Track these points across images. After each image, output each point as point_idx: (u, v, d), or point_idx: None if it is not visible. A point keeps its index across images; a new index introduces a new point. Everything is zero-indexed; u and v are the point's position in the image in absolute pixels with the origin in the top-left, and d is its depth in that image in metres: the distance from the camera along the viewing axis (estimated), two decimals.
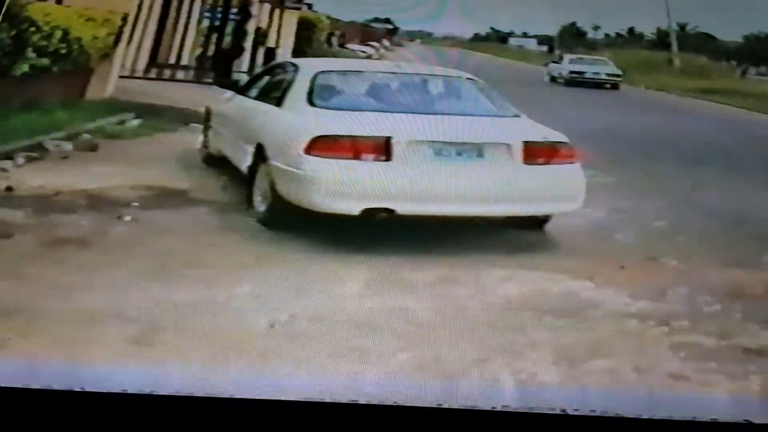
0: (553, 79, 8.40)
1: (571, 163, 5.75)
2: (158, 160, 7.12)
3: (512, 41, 12.17)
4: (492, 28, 12.19)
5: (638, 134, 8.31)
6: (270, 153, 5.76)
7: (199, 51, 9.86)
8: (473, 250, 5.42)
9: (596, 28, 11.71)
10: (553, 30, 12.06)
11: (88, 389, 3.74)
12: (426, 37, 11.26)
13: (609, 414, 3.78)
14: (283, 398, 3.77)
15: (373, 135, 5.49)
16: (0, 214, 5.55)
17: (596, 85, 8.33)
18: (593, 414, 3.78)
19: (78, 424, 3.67)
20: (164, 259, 5.03)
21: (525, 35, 12.34)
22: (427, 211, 5.45)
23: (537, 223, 5.92)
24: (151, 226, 5.59)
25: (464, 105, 6.34)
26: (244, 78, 7.95)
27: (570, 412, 3.78)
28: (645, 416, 3.79)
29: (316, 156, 5.39)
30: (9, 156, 6.62)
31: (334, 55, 10.65)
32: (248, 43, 9.83)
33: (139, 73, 9.44)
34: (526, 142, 5.64)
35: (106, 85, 8.67)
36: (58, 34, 7.77)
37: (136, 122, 8.17)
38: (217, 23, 9.91)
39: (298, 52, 9.86)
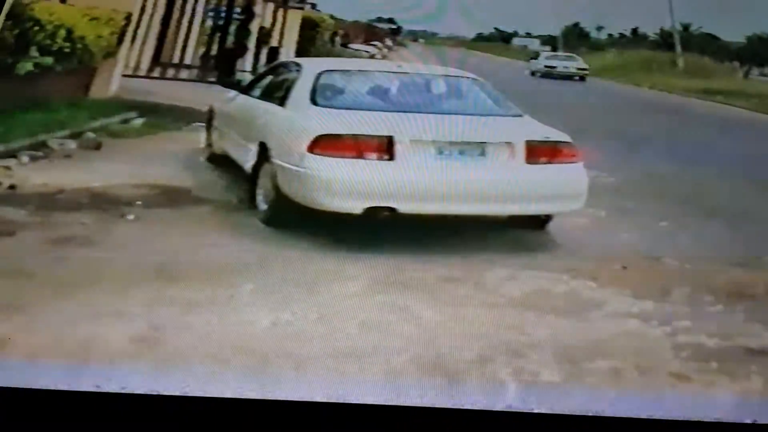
0: (533, 73, 8.84)
1: (573, 162, 5.75)
2: (161, 158, 7.14)
3: (516, 41, 12.15)
4: (496, 29, 12.19)
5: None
6: (273, 152, 5.77)
7: (202, 50, 9.86)
8: (475, 249, 5.42)
9: (599, 28, 11.71)
10: (556, 30, 12.07)
11: (89, 389, 3.73)
12: (429, 37, 11.25)
13: (611, 415, 3.78)
14: (284, 398, 3.77)
15: (375, 134, 5.49)
16: (3, 212, 5.55)
17: (566, 77, 9.02)
18: (595, 414, 3.77)
19: (80, 424, 3.66)
20: (167, 258, 5.04)
21: (528, 35, 12.32)
22: (429, 210, 5.45)
23: (539, 222, 5.93)
24: (154, 224, 5.60)
25: (467, 104, 6.33)
26: (247, 77, 7.96)
27: (572, 412, 3.78)
28: (646, 416, 3.79)
29: (319, 155, 5.39)
30: (13, 154, 6.64)
31: (338, 55, 10.65)
32: (252, 43, 9.83)
33: (143, 72, 9.45)
34: (528, 142, 5.64)
35: (110, 84, 8.68)
36: (62, 33, 7.79)
37: (139, 121, 8.19)
38: (220, 23, 9.91)
39: (301, 51, 9.86)
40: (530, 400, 3.83)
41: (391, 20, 11.62)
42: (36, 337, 4.02)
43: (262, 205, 5.83)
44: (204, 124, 7.63)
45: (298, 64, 6.58)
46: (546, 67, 9.34)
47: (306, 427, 3.76)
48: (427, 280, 4.93)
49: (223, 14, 9.93)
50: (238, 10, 9.89)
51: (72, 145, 7.19)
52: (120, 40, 8.70)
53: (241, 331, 4.23)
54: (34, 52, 7.46)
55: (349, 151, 5.41)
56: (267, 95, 6.62)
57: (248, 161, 6.13)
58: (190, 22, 9.71)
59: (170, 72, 9.72)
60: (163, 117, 8.28)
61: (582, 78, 9.06)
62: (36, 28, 7.43)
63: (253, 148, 6.05)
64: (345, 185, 5.34)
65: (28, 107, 7.35)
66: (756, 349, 4.38)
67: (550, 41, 12.17)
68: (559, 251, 5.67)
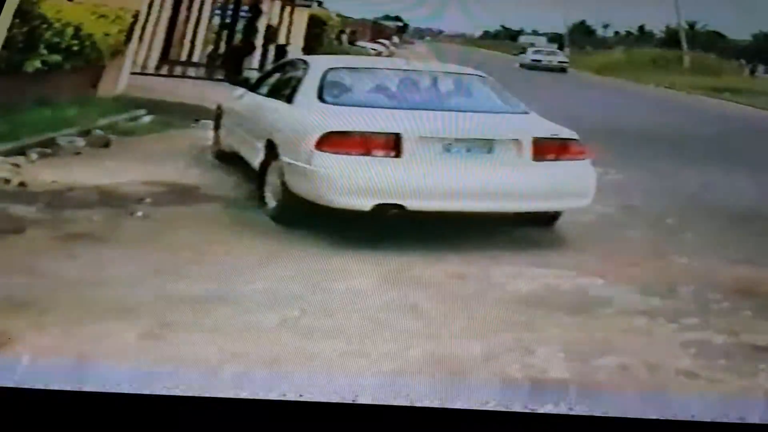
0: (522, 65, 9.95)
1: (580, 159, 5.75)
2: (170, 156, 7.14)
3: (522, 39, 12.20)
4: (502, 26, 12.21)
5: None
6: (281, 149, 5.78)
7: (210, 48, 9.87)
8: (483, 246, 5.43)
9: (606, 26, 11.71)
10: (562, 28, 12.07)
11: (97, 390, 3.75)
12: (436, 35, 11.26)
13: (619, 414, 3.79)
14: (291, 398, 3.78)
15: (383, 131, 5.50)
16: (13, 209, 5.57)
17: (550, 69, 9.99)
18: (603, 415, 3.78)
19: (85, 425, 3.68)
20: (176, 255, 5.05)
21: (535, 33, 12.33)
22: (436, 207, 5.46)
23: (547, 219, 5.93)
24: (163, 221, 5.62)
25: (474, 101, 6.33)
26: (254, 75, 7.96)
27: (579, 412, 3.79)
28: (654, 416, 3.80)
29: (327, 152, 5.40)
30: (22, 152, 6.65)
31: (345, 53, 10.65)
32: (259, 41, 9.84)
33: (151, 70, 9.44)
34: (535, 139, 5.65)
35: (118, 81, 8.68)
36: (70, 30, 7.80)
37: (147, 119, 8.19)
38: (228, 20, 9.92)
39: (308, 49, 9.87)
40: (538, 398, 3.84)
41: (397, 18, 11.62)
42: (44, 334, 4.04)
43: (271, 203, 5.85)
44: (212, 122, 7.65)
45: (305, 62, 6.59)
46: (532, 60, 10.16)
47: (315, 427, 3.78)
48: (435, 277, 4.94)
49: (230, 12, 9.94)
50: (246, 8, 9.90)
51: (81, 142, 7.20)
52: (128, 38, 8.71)
53: (250, 329, 4.24)
54: (42, 49, 7.47)
55: (356, 148, 5.43)
56: (274, 93, 6.63)
57: (256, 158, 6.15)
58: (198, 20, 9.72)
59: (178, 70, 9.72)
60: (171, 115, 8.29)
61: (563, 69, 9.96)
62: (44, 25, 7.44)
63: (261, 146, 6.07)
64: (353, 182, 5.35)
65: (36, 105, 7.37)
66: (763, 346, 4.37)
67: (556, 39, 12.18)
68: (567, 248, 5.67)
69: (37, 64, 7.44)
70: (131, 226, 5.54)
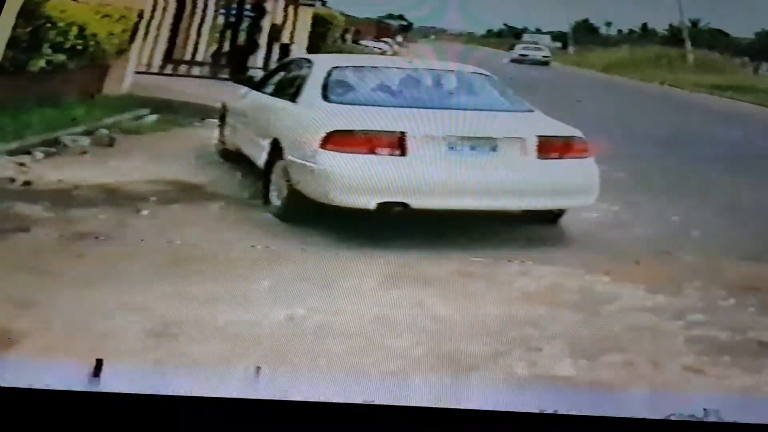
0: (512, 60, 10.80)
1: (584, 157, 5.76)
2: (175, 155, 7.13)
3: (526, 37, 12.26)
4: (505, 25, 12.23)
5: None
6: (285, 148, 5.79)
7: (214, 47, 9.86)
8: (488, 244, 5.43)
9: (609, 24, 11.70)
10: (566, 26, 12.08)
11: (105, 390, 3.75)
12: (440, 34, 11.27)
13: (625, 412, 3.79)
14: (299, 398, 3.78)
15: (387, 130, 5.51)
16: (18, 208, 5.57)
17: (534, 63, 10.88)
18: (609, 413, 3.79)
19: (91, 425, 3.68)
20: (181, 254, 5.06)
21: (538, 31, 12.36)
22: (441, 206, 5.47)
23: (552, 217, 5.93)
24: (169, 220, 5.62)
25: (478, 100, 6.34)
26: (259, 74, 7.96)
27: (585, 410, 3.79)
28: (660, 413, 3.80)
29: (331, 151, 5.41)
30: (27, 151, 6.65)
31: (349, 52, 10.64)
32: (263, 40, 9.83)
33: (155, 69, 9.44)
34: (539, 137, 5.66)
35: (123, 80, 8.68)
36: (74, 30, 7.79)
37: (152, 118, 8.19)
38: (232, 19, 9.91)
39: (312, 48, 9.86)
40: (544, 396, 3.85)
41: (401, 17, 11.63)
42: (51, 333, 4.05)
43: (276, 201, 5.85)
44: (217, 121, 7.66)
45: (309, 61, 6.60)
46: (520, 55, 10.88)
47: (319, 427, 3.78)
48: (440, 275, 4.94)
49: (234, 11, 9.93)
50: (249, 7, 9.89)
51: (86, 141, 7.19)
52: (132, 38, 8.71)
53: (256, 327, 4.24)
54: (46, 49, 7.48)
55: (361, 146, 5.44)
56: (279, 92, 6.64)
57: (261, 157, 6.16)
58: (202, 20, 9.71)
59: (182, 69, 9.70)
60: (176, 113, 8.28)
61: (546, 63, 10.84)
62: (48, 25, 7.44)
63: (266, 145, 6.08)
64: (357, 181, 5.36)
65: (41, 104, 7.36)
66: None
67: (560, 37, 12.19)
68: (572, 246, 5.68)
69: (42, 63, 7.44)
70: (137, 224, 5.54)
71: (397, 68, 6.59)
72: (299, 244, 5.29)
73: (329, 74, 6.16)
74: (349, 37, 11.41)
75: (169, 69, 9.60)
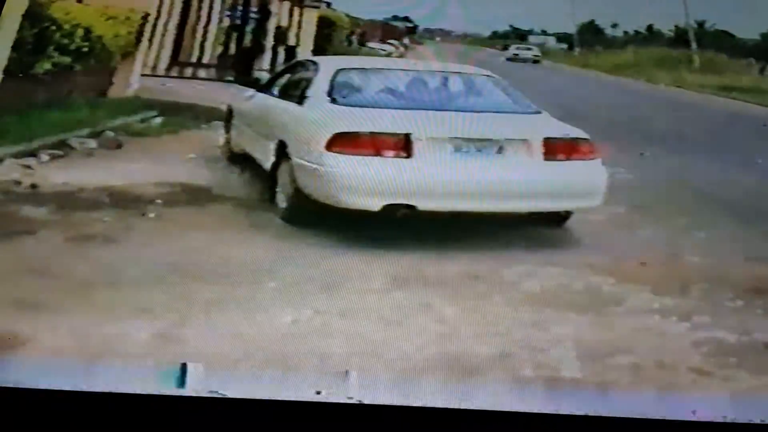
0: (507, 59, 11.51)
1: (591, 159, 5.75)
2: (181, 157, 7.16)
3: (531, 39, 12.33)
4: (511, 26, 12.28)
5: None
6: (291, 150, 5.79)
7: (220, 49, 9.88)
8: (494, 246, 5.43)
9: (615, 25, 11.72)
10: (571, 28, 12.10)
11: (109, 390, 3.75)
12: (445, 36, 11.29)
13: (631, 414, 3.79)
14: (305, 398, 3.78)
15: (393, 132, 5.50)
16: (25, 210, 5.59)
17: (525, 61, 11.67)
18: (615, 414, 3.78)
19: (97, 426, 3.68)
20: (187, 256, 5.06)
21: (544, 33, 12.40)
22: (447, 208, 5.46)
23: (558, 219, 5.92)
24: (175, 222, 5.62)
25: (484, 102, 6.33)
26: (265, 76, 7.98)
27: (591, 411, 3.79)
28: (667, 415, 3.79)
29: (337, 153, 5.41)
30: (33, 153, 6.67)
31: (354, 53, 10.66)
32: (269, 42, 9.84)
33: (161, 72, 9.46)
34: (546, 139, 5.65)
35: (129, 83, 8.70)
36: (80, 32, 7.81)
37: (158, 120, 8.20)
38: (237, 22, 9.92)
39: (318, 50, 9.87)
40: (550, 397, 3.84)
41: (407, 18, 11.66)
42: (56, 335, 4.05)
43: (282, 203, 5.85)
44: (223, 123, 7.67)
45: (315, 63, 6.60)
46: (513, 54, 11.60)
47: (326, 428, 3.78)
48: (446, 276, 4.95)
49: (240, 13, 9.94)
50: (255, 9, 9.90)
51: (92, 144, 7.21)
52: (138, 40, 8.73)
53: (262, 329, 4.25)
54: (52, 51, 7.49)
55: (366, 148, 5.43)
56: (285, 94, 6.64)
57: (267, 159, 6.16)
58: (208, 22, 9.73)
59: (188, 71, 9.72)
60: (182, 116, 8.29)
61: (536, 61, 11.61)
62: (53, 27, 7.46)
63: (272, 146, 6.07)
64: (363, 183, 5.35)
65: (47, 106, 7.39)
66: None
67: (565, 38, 12.21)
68: (579, 248, 5.67)
69: (48, 65, 7.45)
70: (143, 227, 5.54)
71: (403, 70, 6.58)
72: (305, 245, 5.29)
73: (335, 76, 6.16)
74: (354, 39, 11.42)
75: (175, 71, 9.63)
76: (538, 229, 5.86)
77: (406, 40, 11.78)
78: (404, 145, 5.45)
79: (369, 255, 5.12)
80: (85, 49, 7.90)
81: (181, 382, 3.82)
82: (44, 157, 6.70)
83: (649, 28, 11.73)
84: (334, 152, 5.41)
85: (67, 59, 7.67)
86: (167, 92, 8.80)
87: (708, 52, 11.53)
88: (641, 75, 11.46)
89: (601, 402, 3.84)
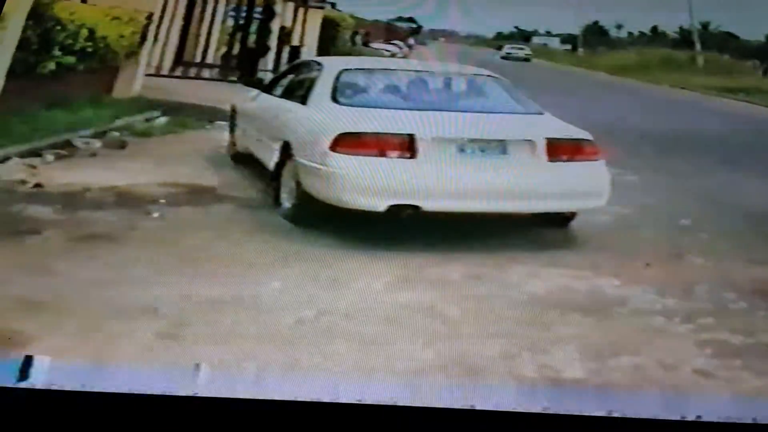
0: (502, 58, 12.03)
1: (595, 159, 5.75)
2: (185, 157, 7.17)
3: (536, 40, 12.41)
4: (516, 27, 12.35)
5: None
6: (296, 150, 5.79)
7: (224, 50, 9.90)
8: (498, 247, 5.42)
9: (619, 26, 11.74)
10: (576, 29, 12.13)
11: (113, 390, 3.76)
12: (449, 37, 11.31)
13: (635, 415, 3.79)
14: (309, 399, 3.78)
15: (397, 132, 5.50)
16: (29, 210, 5.59)
17: (517, 59, 12.22)
18: (618, 415, 3.78)
19: (101, 426, 3.68)
20: (192, 256, 5.06)
21: (548, 34, 12.46)
22: (451, 208, 5.46)
23: (562, 220, 5.92)
24: (179, 222, 5.63)
25: (487, 102, 6.34)
26: (269, 76, 7.99)
27: (595, 412, 3.79)
28: (670, 416, 3.79)
29: (342, 153, 5.41)
30: (38, 153, 6.69)
31: (358, 54, 10.67)
32: (273, 42, 9.86)
33: (165, 72, 9.48)
34: (549, 139, 5.64)
35: (133, 83, 8.72)
36: (84, 32, 7.83)
37: (163, 120, 8.22)
38: (241, 22, 9.95)
39: (322, 50, 9.89)
40: (553, 398, 3.84)
41: (411, 19, 11.68)
42: (61, 335, 4.05)
43: (286, 203, 5.85)
44: (227, 123, 7.67)
45: (318, 63, 6.60)
46: (507, 53, 12.21)
47: (329, 428, 3.78)
48: (451, 277, 4.95)
49: (244, 14, 9.96)
50: (259, 9, 9.92)
51: (97, 143, 7.23)
52: (142, 40, 8.75)
53: (266, 329, 4.25)
54: (56, 51, 7.50)
55: (370, 149, 5.43)
56: (289, 94, 6.64)
57: (271, 159, 6.16)
58: (212, 22, 9.76)
59: (192, 71, 9.76)
60: (186, 116, 8.31)
61: (527, 59, 12.15)
62: (58, 27, 7.47)
63: (276, 147, 6.08)
64: (367, 183, 5.35)
65: (52, 106, 7.40)
66: None
67: (569, 39, 12.23)
68: (582, 249, 5.66)
69: (52, 65, 7.47)
70: (147, 226, 5.55)
71: (407, 71, 6.58)
72: (309, 246, 5.29)
73: (339, 76, 6.16)
74: (359, 39, 11.44)
75: (179, 71, 9.65)
76: (542, 230, 5.86)
77: (411, 41, 11.81)
78: (408, 145, 5.45)
79: (373, 255, 5.12)
80: (90, 49, 7.92)
81: (25, 375, 3.81)
82: (49, 157, 6.71)
83: (654, 29, 11.75)
84: (338, 152, 5.41)
85: (71, 59, 7.69)
86: (171, 92, 8.81)
87: (712, 54, 11.54)
88: (645, 76, 11.46)
89: (604, 403, 3.83)
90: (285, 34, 9.94)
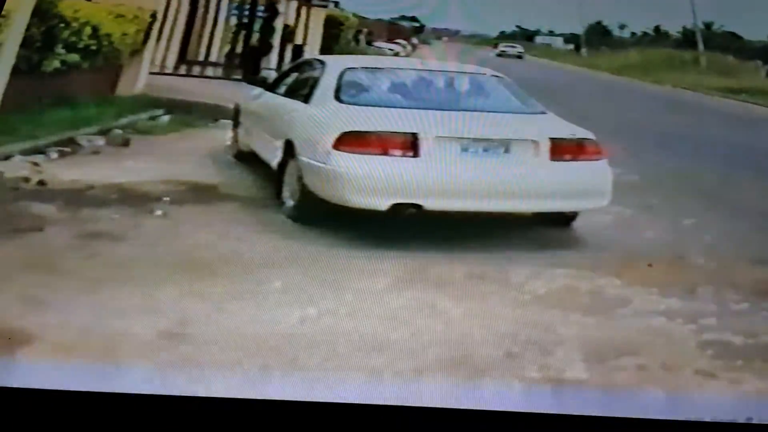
0: (497, 55, 12.24)
1: (597, 159, 5.75)
2: (189, 155, 7.17)
3: (538, 39, 12.43)
4: (518, 27, 12.37)
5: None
6: (298, 149, 5.80)
7: (227, 48, 9.90)
8: (501, 246, 5.42)
9: (622, 26, 11.73)
10: (579, 28, 12.13)
11: (116, 389, 3.76)
12: (452, 36, 11.32)
13: (637, 415, 3.79)
14: (310, 398, 3.79)
15: (400, 131, 5.51)
16: (33, 207, 5.59)
17: (511, 56, 12.55)
18: (621, 415, 3.79)
19: (103, 425, 3.69)
20: (195, 254, 5.07)
21: (551, 33, 12.46)
22: (454, 207, 5.46)
23: (565, 220, 5.93)
24: (182, 220, 5.62)
25: (490, 102, 6.33)
26: (272, 75, 7.98)
27: (597, 412, 3.79)
28: (672, 417, 3.79)
29: (344, 152, 5.41)
30: (42, 151, 6.69)
31: (361, 53, 10.67)
32: (276, 41, 9.86)
33: (169, 70, 9.48)
34: (552, 139, 5.65)
35: (137, 81, 8.73)
36: (88, 30, 7.83)
37: (166, 118, 8.23)
38: (245, 20, 9.95)
39: (325, 49, 9.89)
40: (556, 398, 3.85)
41: (414, 18, 11.70)
42: (63, 333, 4.06)
43: (289, 202, 5.86)
44: (230, 122, 7.68)
45: (322, 62, 6.60)
46: (501, 51, 12.58)
47: (330, 427, 3.79)
48: (453, 276, 4.95)
49: (247, 12, 9.96)
50: (262, 8, 9.92)
51: (100, 141, 7.24)
52: (146, 38, 8.75)
53: (268, 328, 4.25)
54: (60, 49, 7.50)
55: (373, 148, 5.44)
56: (292, 92, 6.65)
57: (274, 158, 6.17)
58: (215, 20, 9.76)
59: (196, 70, 9.76)
60: (189, 114, 8.32)
61: (520, 57, 12.59)
62: (62, 25, 7.47)
63: (279, 145, 6.08)
64: (370, 182, 5.35)
65: (55, 104, 7.40)
66: None
67: (572, 39, 12.23)
68: (585, 249, 5.66)
69: (56, 63, 7.47)
70: (150, 224, 5.55)
71: (410, 70, 6.58)
72: (312, 245, 5.29)
73: (342, 75, 6.17)
74: (362, 38, 11.44)
75: (182, 70, 9.65)
76: (545, 229, 5.86)
77: (414, 40, 11.83)
78: (411, 144, 5.46)
79: (375, 255, 5.12)
80: (93, 47, 7.92)
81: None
82: (52, 154, 6.72)
83: (657, 29, 11.74)
84: (341, 151, 5.42)
85: (75, 57, 7.69)
86: (175, 90, 8.82)
87: (715, 54, 11.53)
88: (649, 76, 11.46)
89: (606, 403, 3.83)
90: (288, 33, 9.94)
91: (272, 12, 9.88)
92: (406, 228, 5.37)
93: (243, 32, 9.91)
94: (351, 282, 4.81)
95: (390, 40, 11.70)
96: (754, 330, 4.51)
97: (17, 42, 6.84)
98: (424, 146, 5.46)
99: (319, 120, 5.83)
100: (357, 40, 11.30)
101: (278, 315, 4.37)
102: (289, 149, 5.92)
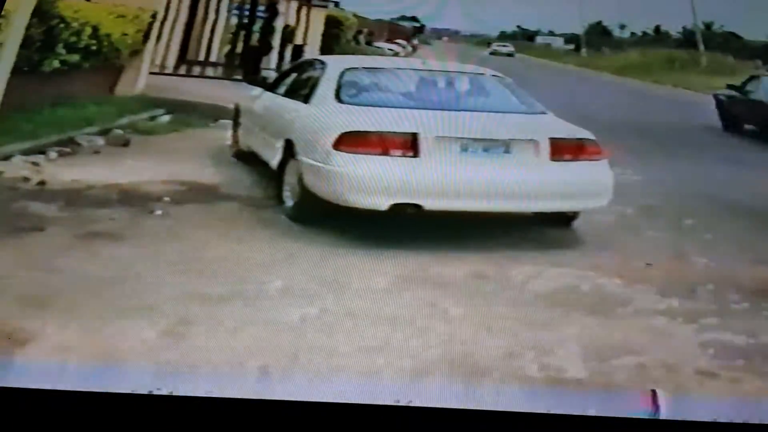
0: (490, 54, 12.16)
1: (597, 159, 5.75)
2: (189, 155, 7.17)
3: (539, 39, 12.42)
4: (519, 27, 12.36)
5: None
6: (299, 149, 5.80)
7: (227, 48, 9.90)
8: (501, 246, 5.43)
9: (622, 26, 11.72)
10: (579, 29, 12.12)
11: (117, 390, 3.76)
12: (453, 36, 11.32)
13: (637, 415, 3.79)
14: (311, 398, 3.79)
15: (400, 131, 5.51)
16: (33, 207, 5.59)
17: (501, 54, 12.51)
18: (621, 415, 3.79)
19: (104, 425, 3.69)
20: (195, 254, 5.07)
21: (552, 33, 12.45)
22: (454, 207, 5.46)
23: (565, 219, 5.93)
24: (182, 220, 5.63)
25: (491, 102, 6.33)
26: (272, 75, 7.97)
27: (597, 412, 3.79)
28: (672, 417, 3.79)
29: (345, 152, 5.42)
30: (41, 151, 6.69)
31: (362, 53, 10.67)
32: (276, 41, 9.86)
33: (169, 70, 9.47)
34: (552, 139, 5.65)
35: (137, 81, 8.72)
36: (88, 30, 7.82)
37: (166, 118, 8.22)
38: (245, 20, 9.94)
39: (325, 49, 9.89)
40: (556, 398, 3.85)
41: (414, 18, 11.69)
42: (64, 333, 4.06)
43: (289, 202, 5.86)
44: (230, 122, 7.68)
45: (322, 62, 6.61)
46: (494, 50, 12.58)
47: (331, 427, 3.79)
48: (453, 276, 4.95)
49: (247, 12, 9.96)
50: (263, 8, 9.92)
51: (100, 141, 7.23)
52: (146, 38, 8.74)
53: (269, 327, 4.25)
54: (60, 49, 7.50)
55: (374, 147, 5.44)
56: (292, 93, 6.64)
57: (274, 158, 6.17)
58: (215, 20, 9.75)
59: (196, 70, 9.75)
60: (190, 114, 8.32)
61: (510, 55, 12.69)
62: (62, 25, 7.47)
63: (279, 145, 6.08)
64: (370, 182, 5.36)
65: (55, 104, 7.40)
66: None
67: (573, 39, 12.22)
68: (585, 248, 5.66)
69: (56, 63, 7.47)
70: (151, 224, 5.55)
71: (410, 70, 6.58)
72: (312, 244, 5.29)
73: (342, 75, 6.17)
74: (362, 38, 11.44)
75: (182, 70, 9.65)
76: (545, 229, 5.86)
77: (414, 40, 11.82)
78: (411, 144, 5.46)
79: (375, 254, 5.12)
80: (93, 47, 7.91)
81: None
82: (52, 154, 6.72)
83: (657, 29, 11.73)
84: (341, 151, 5.42)
85: (75, 57, 7.69)
86: (175, 90, 8.82)
87: (715, 54, 11.52)
88: (649, 76, 11.45)
89: (607, 403, 3.83)
90: (288, 33, 9.94)
91: (272, 12, 9.88)
92: (406, 228, 5.37)
93: (243, 32, 9.90)
94: (351, 281, 4.82)
95: (390, 41, 11.69)
96: (755, 330, 4.51)
97: (17, 42, 6.84)
98: (424, 146, 5.46)
99: (319, 120, 5.83)
100: (357, 40, 11.29)
101: (278, 315, 4.37)
102: (289, 149, 5.92)
